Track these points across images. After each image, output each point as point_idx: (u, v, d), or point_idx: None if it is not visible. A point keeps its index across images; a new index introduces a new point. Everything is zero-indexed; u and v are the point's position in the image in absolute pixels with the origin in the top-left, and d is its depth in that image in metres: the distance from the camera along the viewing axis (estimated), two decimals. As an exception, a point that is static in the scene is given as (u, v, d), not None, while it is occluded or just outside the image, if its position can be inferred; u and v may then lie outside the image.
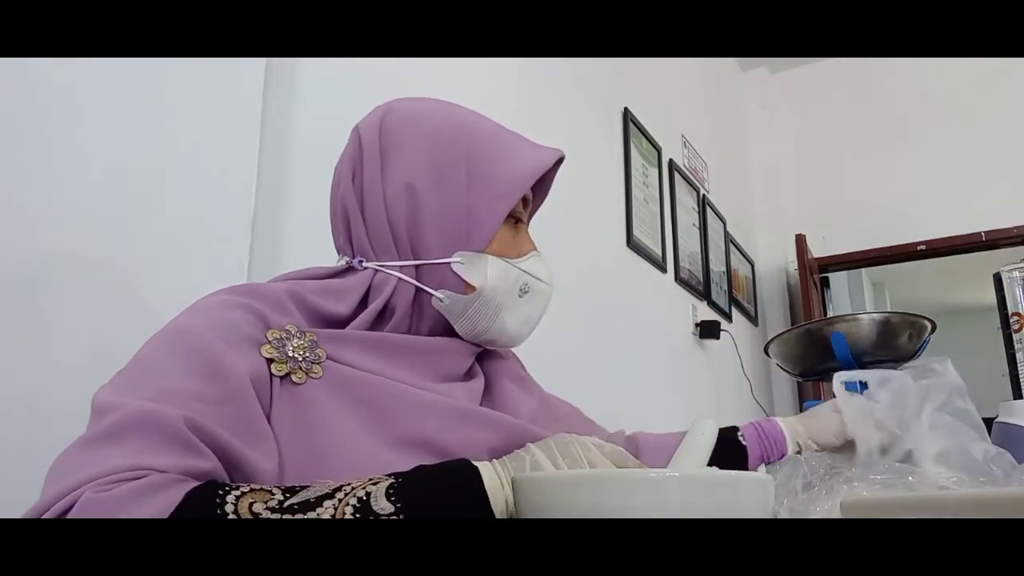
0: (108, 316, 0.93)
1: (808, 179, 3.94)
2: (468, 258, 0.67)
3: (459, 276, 0.67)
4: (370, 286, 0.67)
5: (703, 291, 2.99)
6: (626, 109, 2.58)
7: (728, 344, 3.02)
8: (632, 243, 2.44)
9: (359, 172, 0.69)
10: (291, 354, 0.59)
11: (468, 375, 0.71)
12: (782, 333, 1.44)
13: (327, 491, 0.48)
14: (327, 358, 0.61)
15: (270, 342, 0.58)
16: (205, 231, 1.08)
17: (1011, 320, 1.05)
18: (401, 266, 0.67)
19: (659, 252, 2.65)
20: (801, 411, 0.97)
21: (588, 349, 2.07)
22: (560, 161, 0.73)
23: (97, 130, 0.98)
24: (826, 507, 0.64)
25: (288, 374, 0.58)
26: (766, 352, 1.50)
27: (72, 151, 0.95)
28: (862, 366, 1.26)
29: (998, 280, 1.08)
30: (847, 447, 0.86)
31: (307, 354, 0.59)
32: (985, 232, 3.46)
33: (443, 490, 0.49)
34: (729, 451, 0.84)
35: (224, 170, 1.13)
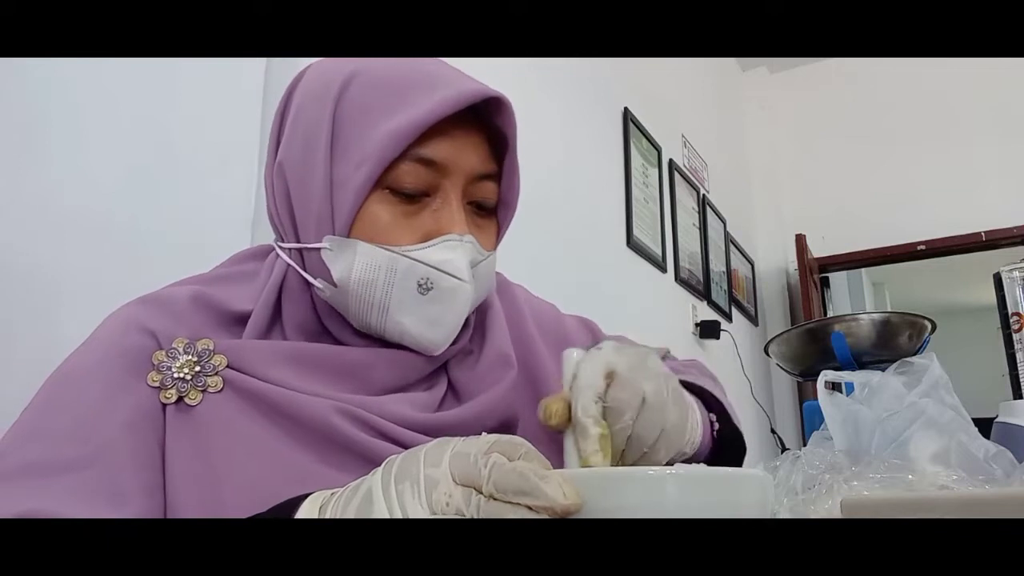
0: (108, 316, 0.93)
1: (808, 179, 3.95)
2: (337, 244, 0.56)
3: (326, 265, 0.56)
4: (281, 275, 0.60)
5: (703, 291, 2.99)
6: (626, 109, 2.58)
7: (728, 344, 3.02)
8: (632, 243, 2.45)
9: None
10: (176, 375, 0.53)
11: (419, 385, 0.61)
12: (782, 333, 1.44)
13: None
14: (227, 366, 0.54)
15: (156, 367, 0.54)
16: (205, 231, 1.08)
17: (1011, 320, 1.05)
18: (288, 249, 0.60)
19: (659, 252, 2.65)
20: (801, 411, 0.96)
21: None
22: (495, 104, 0.59)
23: (97, 131, 0.98)
24: (826, 507, 0.64)
25: (180, 398, 0.53)
26: (766, 352, 1.50)
27: (72, 152, 0.95)
28: (862, 366, 1.26)
29: (998, 280, 1.08)
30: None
31: (198, 368, 0.54)
32: (985, 232, 3.46)
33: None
34: None
35: (224, 170, 1.13)
